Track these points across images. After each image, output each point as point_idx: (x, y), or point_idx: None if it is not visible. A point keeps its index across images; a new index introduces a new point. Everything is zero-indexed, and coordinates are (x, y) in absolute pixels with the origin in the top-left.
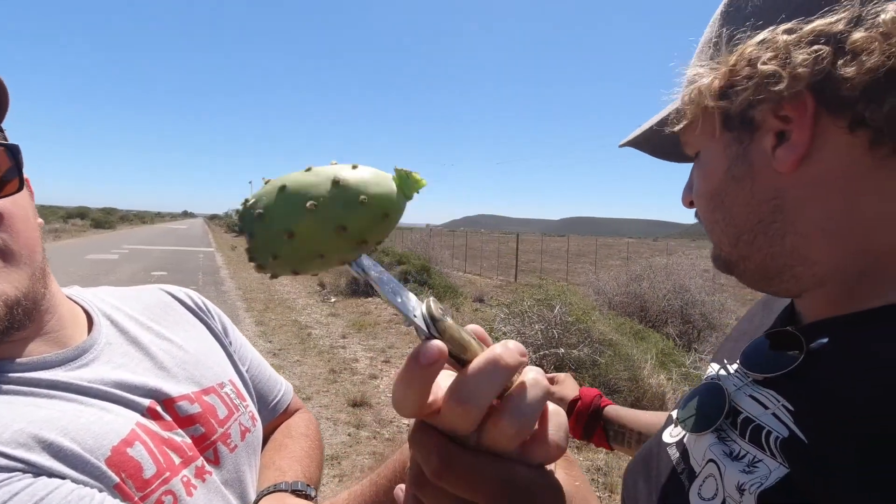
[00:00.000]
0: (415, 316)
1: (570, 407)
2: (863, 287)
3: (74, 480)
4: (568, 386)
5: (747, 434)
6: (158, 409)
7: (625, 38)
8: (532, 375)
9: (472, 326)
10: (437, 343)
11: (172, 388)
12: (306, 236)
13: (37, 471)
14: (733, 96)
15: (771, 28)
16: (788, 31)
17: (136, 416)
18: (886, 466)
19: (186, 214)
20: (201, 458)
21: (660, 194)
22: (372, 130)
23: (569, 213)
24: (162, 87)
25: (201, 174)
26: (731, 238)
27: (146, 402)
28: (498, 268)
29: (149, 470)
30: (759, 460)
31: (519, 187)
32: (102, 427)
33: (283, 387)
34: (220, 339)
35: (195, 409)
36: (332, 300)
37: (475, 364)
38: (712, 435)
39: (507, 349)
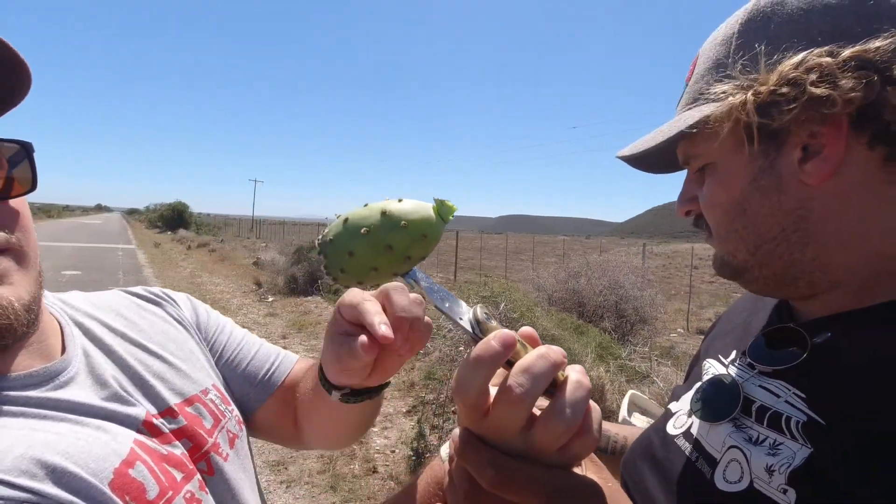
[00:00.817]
0: (461, 319)
1: None
2: (873, 288)
3: None
4: None
5: (765, 420)
6: (155, 421)
7: (566, 38)
8: (575, 376)
9: (525, 329)
10: (509, 332)
11: (156, 402)
12: (362, 255)
13: (42, 500)
14: (775, 113)
15: (808, 50)
16: (830, 54)
17: (132, 433)
18: (884, 463)
19: (101, 208)
20: (197, 472)
21: (591, 194)
22: (291, 118)
23: (506, 212)
24: (72, 62)
25: (118, 165)
26: (750, 246)
27: (139, 417)
28: (437, 265)
29: (152, 491)
30: (781, 443)
31: (457, 186)
32: (102, 448)
33: (279, 358)
34: (195, 335)
35: (180, 422)
36: (270, 299)
37: (526, 360)
38: (729, 424)
39: (551, 348)
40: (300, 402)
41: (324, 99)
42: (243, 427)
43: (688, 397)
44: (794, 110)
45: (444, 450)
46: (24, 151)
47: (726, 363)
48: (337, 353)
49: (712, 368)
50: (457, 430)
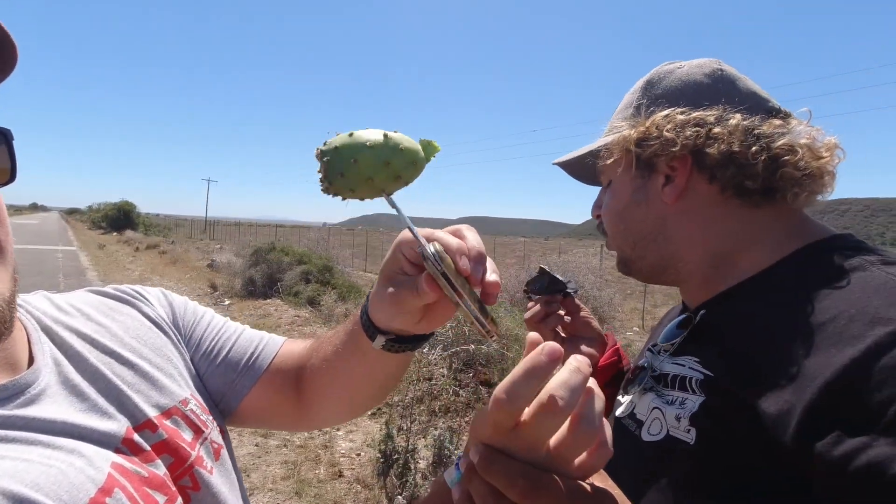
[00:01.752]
0: (429, 248)
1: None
2: (716, 277)
3: None
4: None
5: (675, 385)
6: (134, 438)
7: (529, 39)
8: (594, 387)
9: (532, 335)
10: (555, 344)
11: (133, 415)
12: (364, 164)
13: None
14: (645, 147)
15: (672, 108)
16: (683, 113)
17: (110, 455)
18: (752, 390)
19: (37, 208)
20: (179, 496)
21: (549, 196)
22: (244, 117)
23: (466, 213)
24: None
25: (54, 160)
26: (630, 243)
27: (118, 434)
28: None
29: None
30: (686, 399)
31: (416, 186)
32: (76, 475)
33: (262, 341)
34: (172, 335)
35: (161, 436)
36: (227, 303)
37: (563, 374)
38: (651, 394)
39: (582, 363)
40: (314, 371)
41: (280, 94)
42: (227, 436)
43: (630, 388)
44: (654, 146)
45: (451, 476)
46: (3, 139)
47: (655, 352)
48: (397, 291)
49: (645, 356)
50: (472, 450)
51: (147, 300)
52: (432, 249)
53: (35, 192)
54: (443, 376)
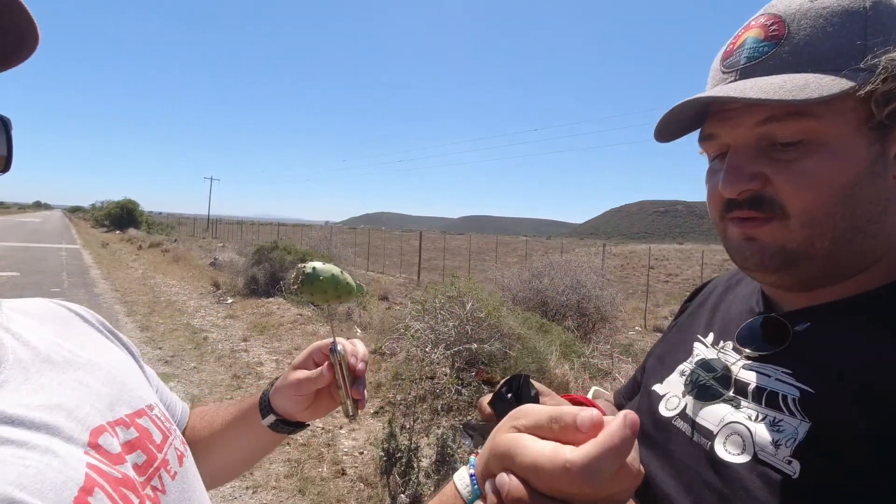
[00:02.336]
0: (336, 346)
1: None
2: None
3: None
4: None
5: (762, 400)
6: (102, 438)
7: (531, 39)
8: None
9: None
10: (635, 416)
11: (104, 413)
12: (324, 283)
13: None
14: (887, 103)
15: None
16: None
17: (83, 456)
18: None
19: (40, 206)
20: (147, 499)
21: (551, 195)
22: (246, 116)
23: (468, 212)
24: None
25: (58, 159)
26: (838, 233)
27: (86, 432)
28: (401, 266)
29: None
30: (780, 420)
31: (418, 185)
32: (56, 475)
33: (181, 406)
34: (135, 356)
35: (132, 434)
36: (229, 301)
37: (622, 438)
38: (725, 404)
39: (630, 420)
40: (196, 441)
41: (283, 94)
42: (187, 447)
43: (673, 380)
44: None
45: (467, 487)
46: (2, 126)
47: (708, 344)
48: (302, 377)
49: (697, 350)
50: (503, 478)
51: (110, 327)
52: (339, 347)
53: (39, 190)
54: (445, 375)
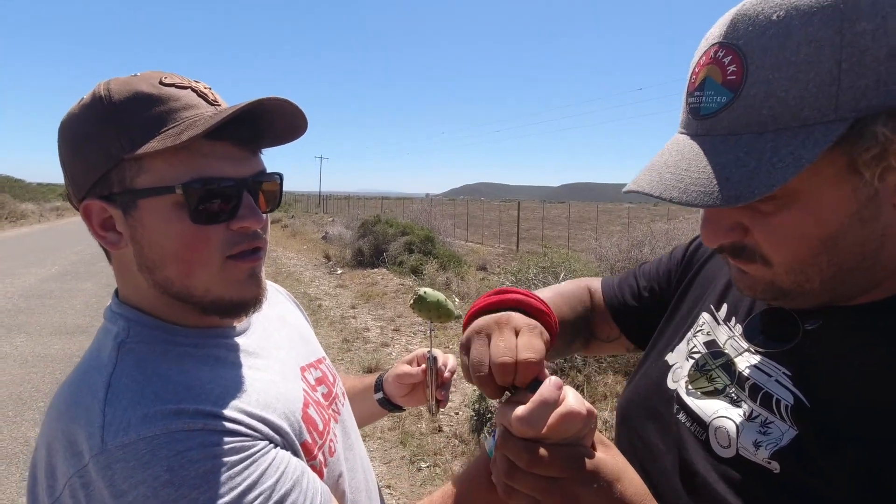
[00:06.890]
0: (432, 354)
1: None
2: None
3: (287, 443)
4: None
5: (758, 399)
6: (306, 373)
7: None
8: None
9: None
10: (555, 378)
11: (303, 357)
12: (429, 305)
13: (274, 440)
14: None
15: None
16: None
17: (300, 383)
18: (858, 443)
19: None
20: (332, 417)
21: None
22: (351, 95)
23: (568, 179)
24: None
25: None
26: (826, 276)
27: (297, 368)
28: (499, 236)
29: (320, 424)
30: (771, 422)
31: (517, 154)
32: (292, 392)
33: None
34: (308, 321)
35: (318, 374)
36: (339, 272)
37: (568, 409)
38: (723, 400)
39: (580, 400)
40: None
41: (383, 69)
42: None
43: (682, 349)
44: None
45: (489, 444)
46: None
47: (720, 320)
48: (405, 370)
49: (707, 326)
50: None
51: (293, 298)
52: (433, 357)
53: None
54: None
